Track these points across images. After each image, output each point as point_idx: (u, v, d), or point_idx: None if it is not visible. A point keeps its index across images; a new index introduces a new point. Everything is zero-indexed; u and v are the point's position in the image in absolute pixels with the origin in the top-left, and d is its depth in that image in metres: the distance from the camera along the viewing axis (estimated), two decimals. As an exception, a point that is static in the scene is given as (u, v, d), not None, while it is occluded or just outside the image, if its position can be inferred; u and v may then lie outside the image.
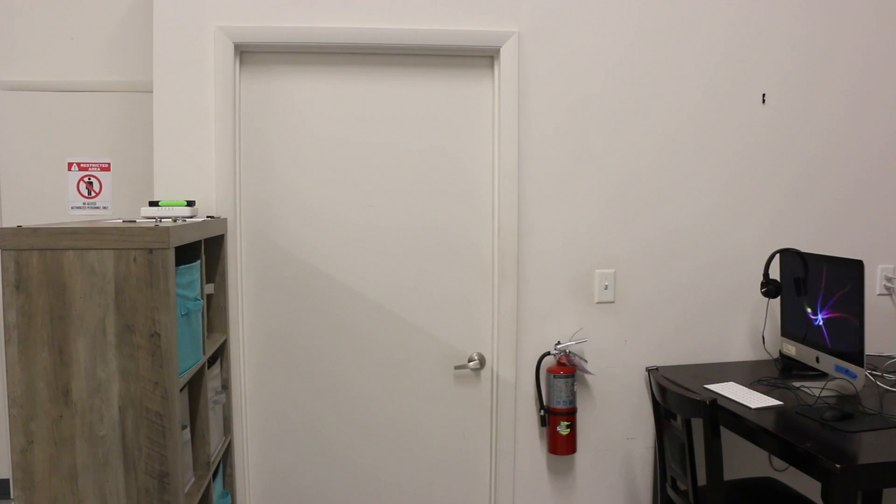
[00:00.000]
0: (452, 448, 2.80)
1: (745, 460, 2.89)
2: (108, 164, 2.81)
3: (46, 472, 1.77)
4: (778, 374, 2.65)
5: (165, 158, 2.52)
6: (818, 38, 2.81)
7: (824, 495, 1.88)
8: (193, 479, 2.13)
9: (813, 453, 1.90)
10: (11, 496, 2.79)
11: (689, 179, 2.78)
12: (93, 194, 2.81)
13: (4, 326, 1.73)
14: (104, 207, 2.83)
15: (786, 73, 2.80)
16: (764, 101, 2.80)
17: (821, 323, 2.49)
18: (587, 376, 2.78)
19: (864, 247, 2.91)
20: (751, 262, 2.84)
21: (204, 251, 2.33)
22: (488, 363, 2.78)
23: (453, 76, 2.69)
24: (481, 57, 2.70)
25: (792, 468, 2.88)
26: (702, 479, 2.68)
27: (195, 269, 2.08)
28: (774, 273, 2.87)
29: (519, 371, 2.74)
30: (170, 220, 2.11)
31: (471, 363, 2.76)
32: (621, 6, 2.69)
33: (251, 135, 2.62)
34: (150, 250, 1.74)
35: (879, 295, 2.94)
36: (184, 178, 2.53)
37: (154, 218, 2.19)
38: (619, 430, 2.82)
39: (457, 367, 2.76)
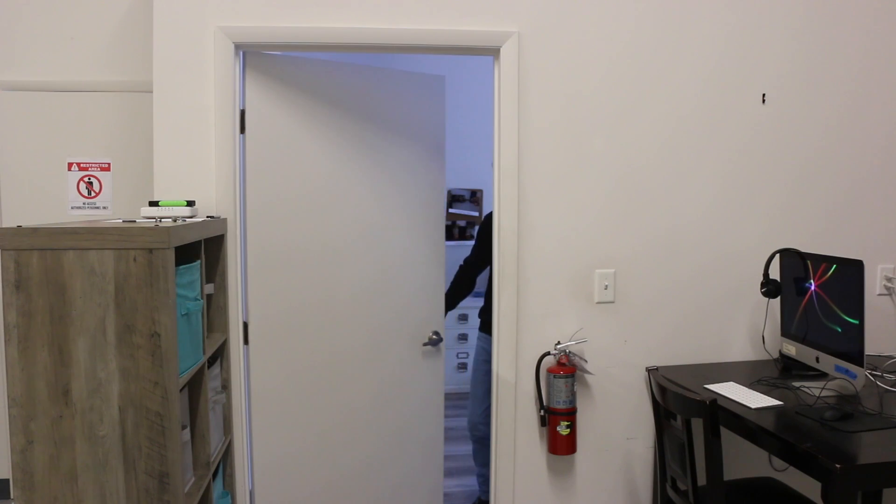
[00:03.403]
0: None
1: (745, 460, 2.89)
2: (108, 164, 2.81)
3: (46, 472, 1.77)
4: (778, 374, 2.64)
5: (165, 158, 2.52)
6: (818, 38, 2.81)
7: (824, 495, 1.88)
8: (193, 479, 2.13)
9: (813, 453, 1.90)
10: (11, 496, 2.79)
11: (689, 179, 2.78)
12: (93, 194, 2.81)
13: (4, 326, 1.73)
14: (104, 207, 2.83)
15: (786, 72, 2.80)
16: (764, 100, 2.80)
17: (821, 322, 2.49)
18: (587, 376, 2.78)
19: (864, 247, 2.91)
20: (751, 262, 2.84)
21: (204, 251, 2.33)
22: (488, 363, 2.78)
23: (453, 76, 2.69)
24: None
25: (792, 468, 2.88)
26: (702, 479, 2.68)
27: (195, 269, 2.08)
28: (774, 273, 2.86)
29: (519, 371, 2.74)
30: (170, 220, 2.11)
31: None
32: (620, 6, 2.69)
33: (251, 135, 2.62)
34: (150, 250, 1.74)
35: (879, 295, 2.94)
36: (184, 178, 2.53)
37: (154, 218, 2.19)
38: (619, 430, 2.82)
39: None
